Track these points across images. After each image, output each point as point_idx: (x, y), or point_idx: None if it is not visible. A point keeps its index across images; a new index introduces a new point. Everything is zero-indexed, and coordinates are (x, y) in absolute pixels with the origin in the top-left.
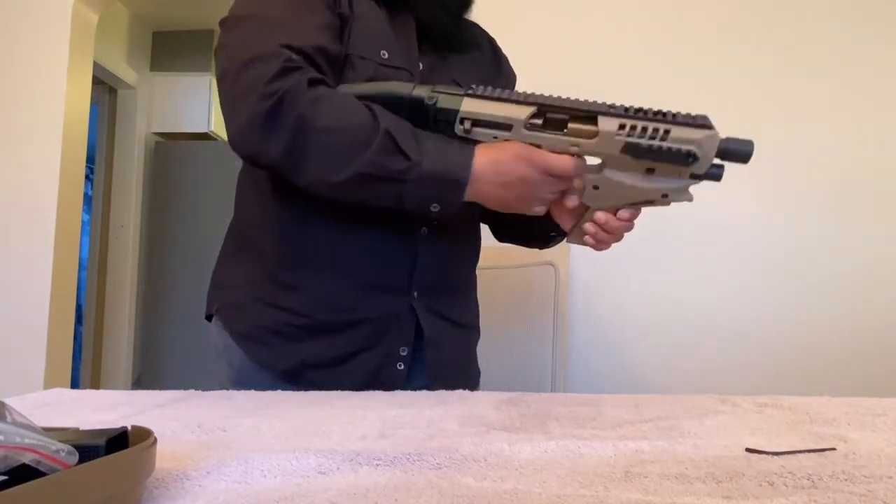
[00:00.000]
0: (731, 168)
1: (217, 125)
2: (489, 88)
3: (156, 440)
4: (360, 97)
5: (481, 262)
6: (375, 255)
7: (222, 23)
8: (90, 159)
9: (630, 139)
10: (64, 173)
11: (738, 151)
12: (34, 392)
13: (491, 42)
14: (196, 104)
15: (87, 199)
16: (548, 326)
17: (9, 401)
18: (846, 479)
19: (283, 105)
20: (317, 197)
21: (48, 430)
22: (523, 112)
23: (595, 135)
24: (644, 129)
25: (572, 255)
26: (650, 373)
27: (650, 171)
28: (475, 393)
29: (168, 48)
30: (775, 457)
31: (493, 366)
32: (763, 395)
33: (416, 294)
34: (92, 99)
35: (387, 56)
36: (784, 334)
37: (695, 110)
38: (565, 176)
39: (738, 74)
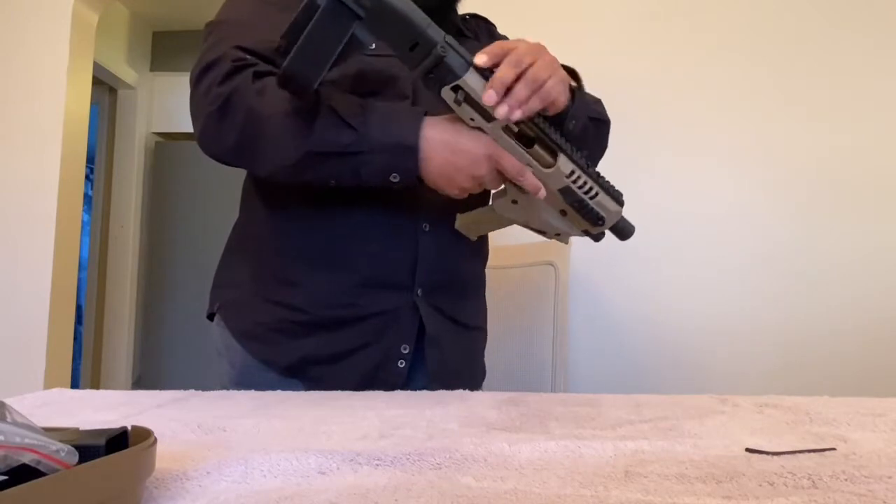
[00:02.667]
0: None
1: None
2: (493, 71)
3: (156, 440)
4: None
5: None
6: (376, 251)
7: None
8: (90, 159)
9: (571, 185)
10: (64, 173)
11: (624, 229)
12: (34, 392)
13: (491, 32)
14: None
15: (87, 199)
16: (548, 326)
17: (9, 401)
18: (846, 479)
19: (230, 102)
20: (315, 192)
21: (48, 430)
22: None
23: (550, 166)
24: (585, 183)
25: (572, 255)
26: (650, 373)
27: (563, 213)
28: (475, 393)
29: (168, 48)
30: (775, 457)
31: (493, 366)
32: (763, 395)
33: (419, 291)
34: (92, 99)
35: (374, 45)
36: (784, 334)
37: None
38: (509, 175)
39: (739, 75)
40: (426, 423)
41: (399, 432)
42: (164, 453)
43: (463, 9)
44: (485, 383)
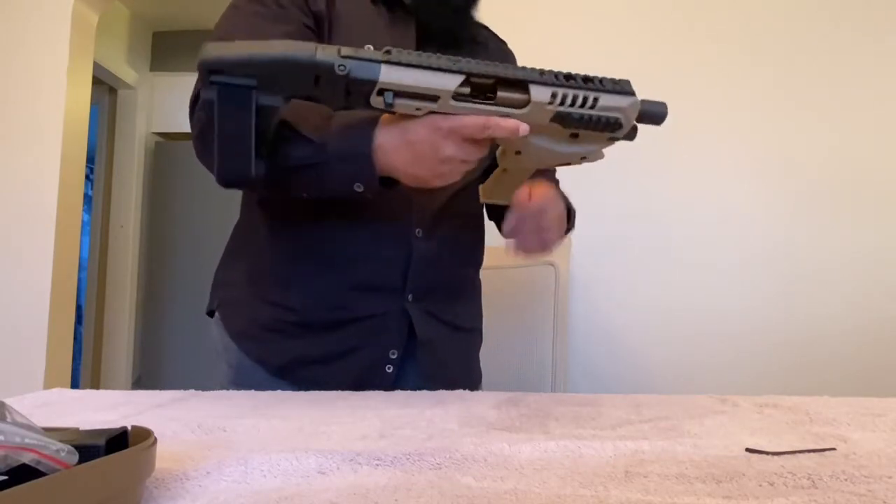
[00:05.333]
0: (732, 168)
1: None
2: (411, 53)
3: (156, 440)
4: (254, 62)
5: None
6: (369, 255)
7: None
8: (90, 159)
9: (561, 108)
10: (64, 173)
11: (655, 114)
12: (34, 392)
13: (500, 45)
14: None
15: (87, 199)
16: (548, 326)
17: (9, 401)
18: (846, 479)
19: (206, 129)
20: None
21: (48, 430)
22: (452, 82)
23: (526, 103)
24: (574, 98)
25: (572, 255)
26: (650, 373)
27: (574, 136)
28: (475, 393)
29: (168, 48)
30: (775, 457)
31: (493, 366)
32: (763, 395)
33: (410, 297)
34: (92, 99)
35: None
36: (784, 334)
37: (695, 110)
38: (478, 137)
39: (739, 75)
40: (426, 423)
41: (399, 432)
42: (164, 453)
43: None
44: (484, 383)
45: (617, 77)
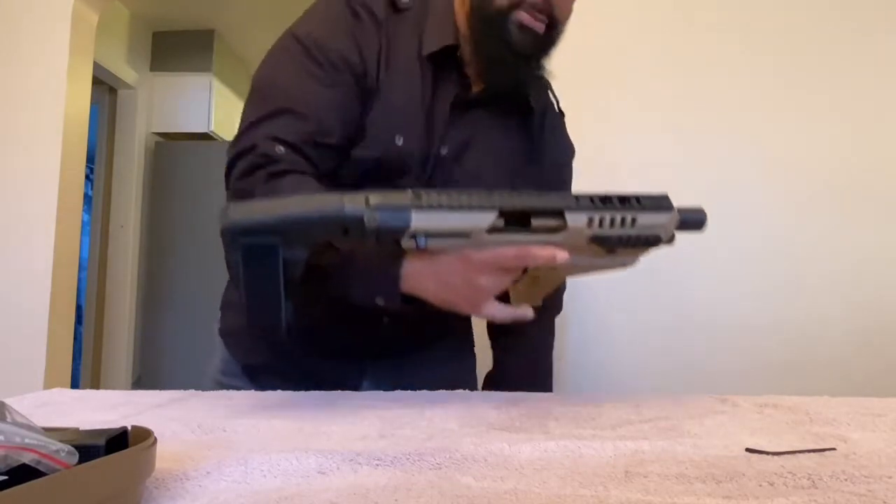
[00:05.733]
0: (733, 169)
1: (217, 125)
2: (441, 193)
3: (156, 440)
4: (280, 223)
5: None
6: (332, 330)
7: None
8: (90, 159)
9: (599, 232)
10: (64, 173)
11: (695, 221)
12: (34, 392)
13: (555, 121)
14: (196, 104)
15: (87, 199)
16: None
17: (9, 401)
18: (846, 479)
19: (239, 200)
20: None
21: (48, 430)
22: (485, 219)
23: (562, 228)
24: (612, 220)
25: None
26: (650, 373)
27: (611, 251)
28: (475, 393)
29: (168, 48)
30: (775, 457)
31: None
32: (763, 395)
33: (369, 365)
34: (92, 99)
35: (401, 143)
36: (784, 334)
37: (695, 110)
38: (514, 266)
39: (739, 76)
40: (426, 423)
41: (399, 432)
42: (164, 453)
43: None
44: None
45: (655, 192)
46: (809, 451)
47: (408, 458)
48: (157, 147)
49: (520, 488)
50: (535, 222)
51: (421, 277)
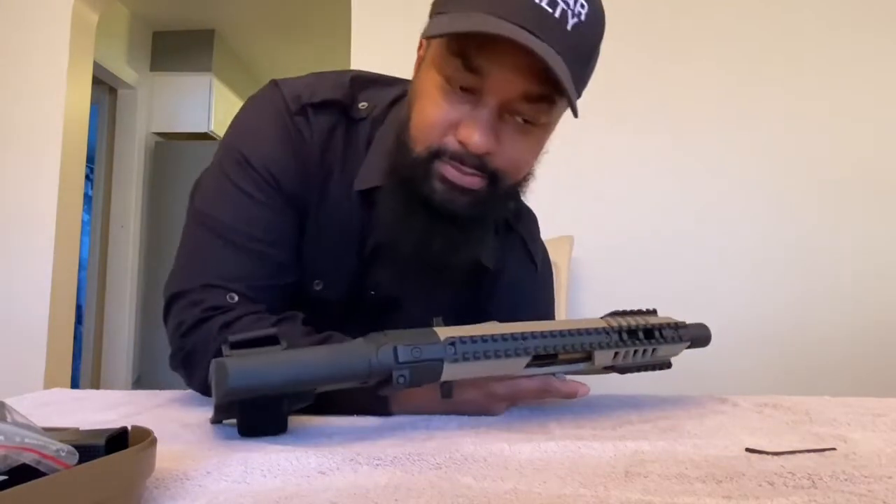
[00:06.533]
0: (733, 169)
1: (217, 125)
2: (476, 339)
3: (156, 440)
4: (296, 384)
5: None
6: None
7: (192, 193)
8: (90, 159)
9: (619, 363)
10: (64, 173)
11: (701, 338)
12: (34, 392)
13: (512, 273)
14: (196, 104)
15: (87, 199)
16: None
17: (9, 401)
18: (846, 479)
19: (191, 361)
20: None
21: (48, 430)
22: (517, 365)
23: (586, 359)
24: (635, 354)
25: (573, 255)
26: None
27: (621, 373)
28: None
29: (168, 48)
30: (775, 457)
31: None
32: (763, 395)
33: None
34: (92, 99)
35: (320, 287)
36: (784, 334)
37: (696, 111)
38: (534, 398)
39: (739, 76)
40: (426, 423)
41: (399, 432)
42: (164, 453)
43: None
44: None
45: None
46: (809, 451)
47: (408, 458)
48: (157, 147)
49: (520, 488)
50: (562, 356)
51: (424, 398)
